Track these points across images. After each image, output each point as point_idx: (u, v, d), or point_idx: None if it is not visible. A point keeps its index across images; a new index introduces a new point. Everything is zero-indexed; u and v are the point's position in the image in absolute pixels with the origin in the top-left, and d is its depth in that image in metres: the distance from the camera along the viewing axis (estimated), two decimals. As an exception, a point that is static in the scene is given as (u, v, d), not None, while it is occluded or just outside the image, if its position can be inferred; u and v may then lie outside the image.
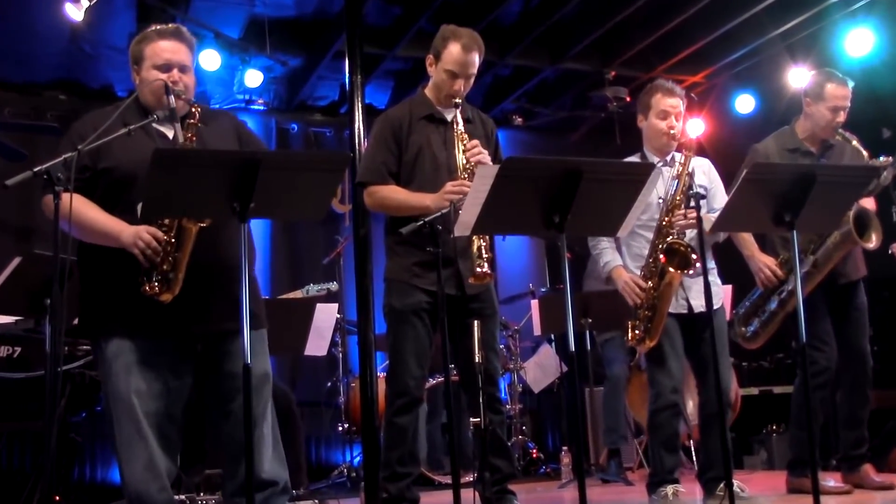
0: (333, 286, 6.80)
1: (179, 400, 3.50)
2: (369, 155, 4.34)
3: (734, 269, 5.13)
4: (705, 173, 4.81)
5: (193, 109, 3.47)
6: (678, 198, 4.45)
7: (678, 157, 4.63)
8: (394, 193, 4.22)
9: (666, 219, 4.51)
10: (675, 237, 4.48)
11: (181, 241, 3.31)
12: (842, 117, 4.96)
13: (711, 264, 4.73)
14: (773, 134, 5.15)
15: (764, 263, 4.88)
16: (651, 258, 4.58)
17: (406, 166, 4.25)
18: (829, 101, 4.95)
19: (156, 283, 3.31)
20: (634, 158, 4.77)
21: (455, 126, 4.20)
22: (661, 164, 4.64)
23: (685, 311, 4.62)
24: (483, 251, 3.99)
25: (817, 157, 4.98)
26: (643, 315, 4.56)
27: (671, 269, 4.45)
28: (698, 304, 4.58)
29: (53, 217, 3.10)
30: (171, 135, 3.53)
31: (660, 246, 4.51)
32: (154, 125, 3.49)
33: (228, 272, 3.46)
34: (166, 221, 3.32)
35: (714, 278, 4.71)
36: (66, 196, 3.12)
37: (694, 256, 4.39)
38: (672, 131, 4.66)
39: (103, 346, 3.43)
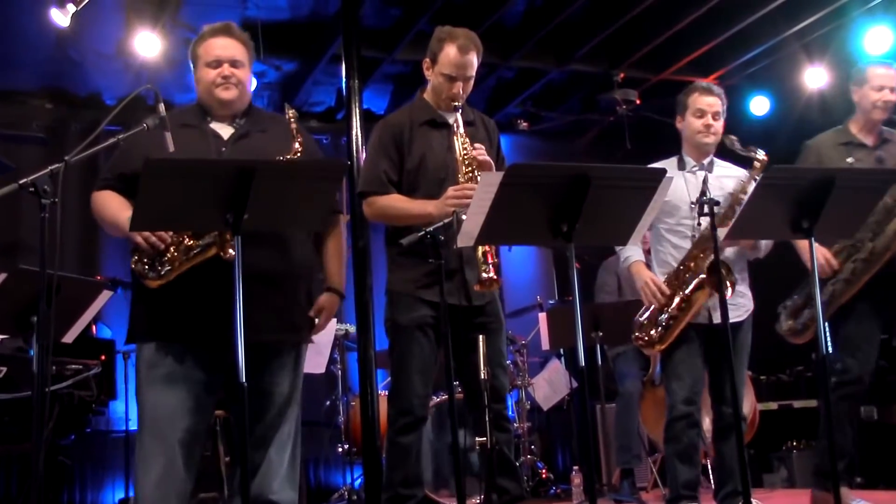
0: (353, 328, 6.75)
1: (208, 417, 3.54)
2: (369, 163, 4.34)
3: (752, 277, 5.12)
4: (740, 180, 4.78)
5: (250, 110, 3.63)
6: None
7: (720, 163, 4.75)
8: (394, 202, 4.22)
9: (684, 263, 4.58)
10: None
11: (190, 253, 3.36)
12: (889, 96, 4.98)
13: (744, 275, 4.76)
14: (828, 130, 5.16)
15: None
16: (683, 266, 4.60)
17: (409, 174, 4.24)
18: (873, 81, 5.02)
19: (145, 265, 3.38)
20: (671, 162, 4.78)
21: (456, 128, 4.21)
22: (695, 168, 4.71)
23: (706, 322, 4.62)
24: (489, 256, 3.98)
25: (872, 150, 4.99)
26: (665, 319, 4.59)
27: (708, 288, 4.48)
28: (719, 316, 4.58)
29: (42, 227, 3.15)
30: (227, 134, 3.63)
31: (700, 255, 4.53)
32: (211, 125, 3.61)
33: (282, 281, 3.50)
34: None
35: (744, 289, 4.74)
36: (96, 193, 3.45)
37: (730, 281, 4.42)
38: (709, 129, 4.72)
39: (142, 351, 3.51)
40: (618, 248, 4.91)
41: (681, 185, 4.62)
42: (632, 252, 4.75)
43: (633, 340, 4.73)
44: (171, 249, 3.39)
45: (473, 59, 4.26)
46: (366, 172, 4.35)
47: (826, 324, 4.82)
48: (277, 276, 3.53)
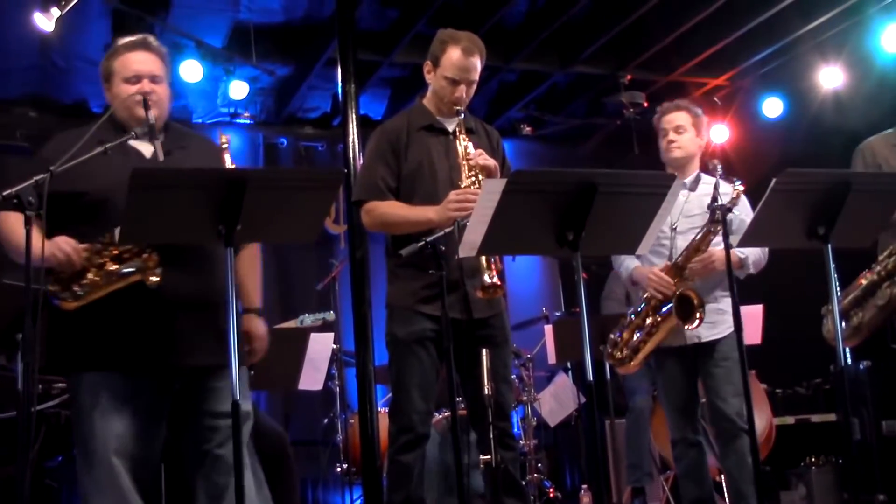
0: (330, 316, 6.79)
1: (157, 443, 3.52)
2: (366, 170, 4.34)
3: (766, 286, 5.12)
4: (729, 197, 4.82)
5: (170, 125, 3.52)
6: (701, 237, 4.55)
7: (707, 178, 4.81)
8: (393, 209, 4.22)
9: (684, 255, 4.66)
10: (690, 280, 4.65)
11: (111, 278, 3.34)
12: None
13: (727, 292, 4.78)
14: (879, 133, 5.17)
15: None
16: (682, 261, 4.70)
17: (406, 181, 4.25)
18: None
19: (59, 285, 3.35)
20: None
21: (458, 136, 4.21)
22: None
23: (682, 343, 4.75)
24: (492, 262, 3.98)
25: None
26: (635, 339, 4.77)
27: (675, 318, 4.64)
28: (693, 336, 4.73)
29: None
30: (149, 153, 3.55)
31: (697, 253, 4.64)
32: (131, 143, 3.52)
33: (219, 302, 3.49)
34: (112, 250, 3.34)
35: (725, 307, 4.76)
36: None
37: (699, 314, 4.58)
38: (672, 145, 4.86)
39: (77, 381, 3.45)
40: (616, 265, 5.00)
41: None
42: (628, 262, 4.88)
43: (605, 357, 4.90)
44: (93, 272, 3.34)
45: (477, 63, 4.28)
46: (362, 179, 4.36)
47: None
48: (211, 299, 3.49)
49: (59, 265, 3.31)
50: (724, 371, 4.69)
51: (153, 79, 3.62)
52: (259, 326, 3.75)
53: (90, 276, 3.35)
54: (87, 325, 3.41)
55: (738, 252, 4.64)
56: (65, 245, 3.32)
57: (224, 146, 3.61)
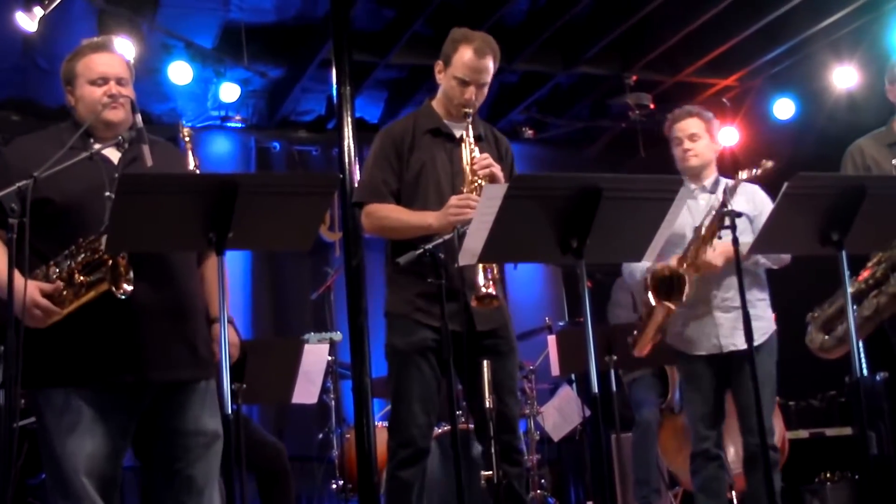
0: (337, 336, 6.78)
1: (122, 460, 3.51)
2: (368, 172, 4.35)
3: (778, 293, 5.12)
4: (749, 200, 4.85)
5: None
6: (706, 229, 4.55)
7: (725, 182, 4.82)
8: (393, 213, 4.23)
9: (693, 248, 4.66)
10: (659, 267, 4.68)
11: (80, 291, 3.31)
12: None
13: (763, 294, 4.89)
14: (868, 134, 5.19)
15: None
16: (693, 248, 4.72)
17: (408, 185, 4.25)
18: None
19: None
20: None
21: (465, 136, 4.22)
22: (695, 190, 4.88)
23: (716, 352, 4.77)
24: (489, 271, 3.97)
25: None
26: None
27: (657, 301, 4.66)
28: (729, 343, 4.74)
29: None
30: (115, 158, 3.55)
31: (701, 246, 4.64)
32: (95, 147, 3.50)
33: (187, 313, 3.49)
34: (79, 259, 3.32)
35: (762, 310, 4.84)
36: None
37: (686, 287, 4.59)
38: (688, 153, 4.91)
39: (44, 399, 3.42)
40: (625, 274, 5.06)
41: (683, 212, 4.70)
42: (637, 265, 4.89)
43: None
44: (63, 286, 3.32)
45: (489, 65, 4.29)
46: (364, 182, 4.37)
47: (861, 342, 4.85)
48: (181, 311, 3.50)
49: (45, 306, 3.30)
50: (760, 382, 4.65)
51: (119, 81, 3.61)
52: (231, 335, 3.72)
53: (62, 292, 3.32)
54: (54, 339, 3.39)
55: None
56: (41, 302, 3.27)
57: (186, 140, 3.56)
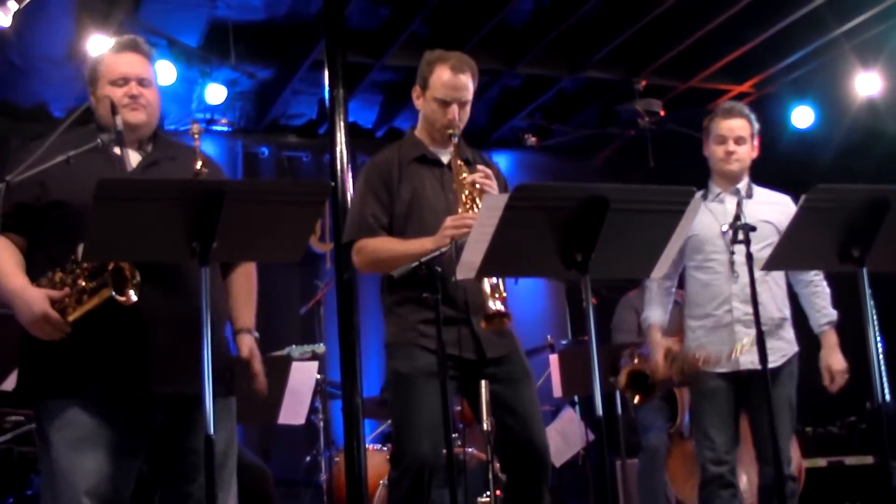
0: (320, 348, 6.77)
1: (130, 481, 3.50)
2: (356, 208, 4.37)
3: (794, 312, 5.12)
4: (781, 211, 4.85)
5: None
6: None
7: (760, 190, 4.94)
8: (386, 244, 4.24)
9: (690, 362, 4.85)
10: (639, 362, 5.00)
11: (83, 297, 3.33)
12: None
13: (786, 311, 4.91)
14: None
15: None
16: (683, 357, 4.89)
17: (399, 217, 4.27)
18: None
19: None
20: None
21: (453, 158, 4.24)
22: (721, 195, 4.93)
23: (733, 369, 4.76)
24: (497, 289, 3.98)
25: None
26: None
27: (630, 394, 4.97)
28: (748, 361, 4.72)
29: None
30: (136, 161, 3.60)
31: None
32: (115, 150, 3.55)
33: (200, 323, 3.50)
34: (85, 265, 3.34)
35: (784, 331, 4.87)
36: None
37: (656, 393, 5.05)
38: (731, 156, 4.90)
39: (47, 410, 3.43)
40: (645, 290, 5.10)
41: (706, 216, 4.78)
42: (651, 313, 4.99)
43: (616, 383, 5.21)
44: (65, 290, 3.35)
45: (468, 81, 4.32)
46: (352, 218, 4.38)
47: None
48: (196, 321, 3.48)
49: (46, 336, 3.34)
50: (778, 408, 4.66)
51: (141, 81, 3.65)
52: (254, 344, 3.75)
53: (65, 299, 3.34)
54: (57, 348, 3.39)
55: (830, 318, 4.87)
56: (52, 316, 3.31)
57: (195, 137, 3.58)
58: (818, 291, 4.92)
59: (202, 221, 3.09)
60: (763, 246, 4.38)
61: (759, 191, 4.97)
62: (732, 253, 4.57)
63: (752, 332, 4.64)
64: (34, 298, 3.30)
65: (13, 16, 6.65)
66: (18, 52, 7.80)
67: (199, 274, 3.33)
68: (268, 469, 6.06)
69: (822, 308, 4.89)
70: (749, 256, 4.07)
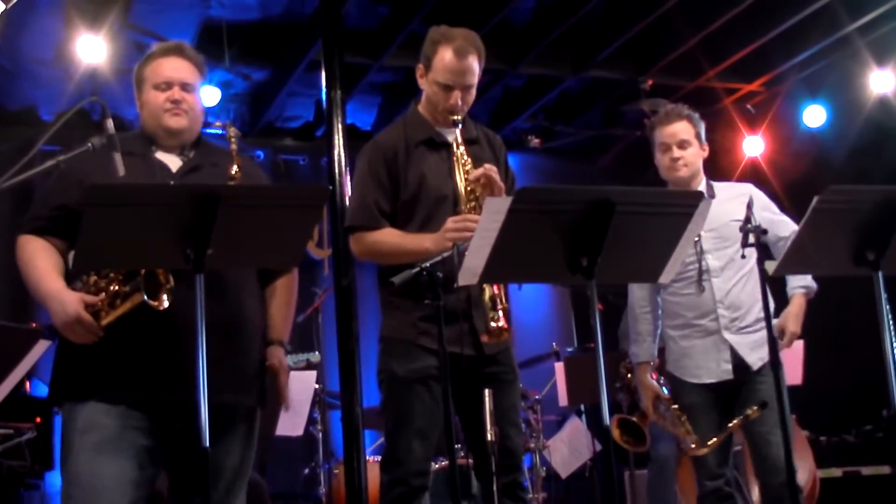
0: (315, 357, 6.78)
1: (150, 489, 3.53)
2: (357, 193, 4.34)
3: (808, 318, 5.12)
4: (745, 203, 4.86)
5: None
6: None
7: (720, 186, 4.90)
8: (386, 237, 4.22)
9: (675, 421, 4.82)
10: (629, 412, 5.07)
11: (115, 301, 3.37)
12: None
13: (770, 306, 4.83)
14: None
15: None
16: (672, 412, 4.86)
17: (405, 205, 4.24)
18: None
19: None
20: None
21: (455, 150, 4.22)
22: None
23: (727, 378, 4.73)
24: (498, 301, 3.98)
25: None
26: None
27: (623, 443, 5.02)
28: (751, 361, 4.72)
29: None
30: (176, 166, 3.68)
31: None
32: (157, 155, 3.66)
33: (238, 333, 3.54)
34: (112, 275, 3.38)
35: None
36: (23, 238, 3.51)
37: (647, 440, 5.10)
38: (677, 162, 4.86)
39: (72, 413, 3.48)
40: (631, 325, 5.05)
41: None
42: (639, 349, 4.94)
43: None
44: (101, 296, 3.40)
45: (474, 64, 4.26)
46: (353, 203, 4.35)
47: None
48: (231, 329, 3.54)
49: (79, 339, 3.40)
50: (775, 413, 4.66)
51: (185, 87, 3.73)
52: (282, 357, 3.80)
53: (98, 302, 3.41)
54: (85, 350, 3.44)
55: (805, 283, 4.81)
56: (85, 319, 3.37)
57: (232, 141, 3.68)
58: None
59: (196, 227, 3.09)
60: (739, 248, 4.33)
61: (719, 188, 4.92)
62: (744, 256, 4.55)
63: (740, 337, 4.69)
64: (69, 301, 3.37)
65: (0, 16, 6.66)
66: (6, 54, 7.81)
67: (242, 275, 3.46)
68: (263, 482, 6.07)
69: (801, 278, 4.84)
70: (760, 260, 4.06)
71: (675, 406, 4.76)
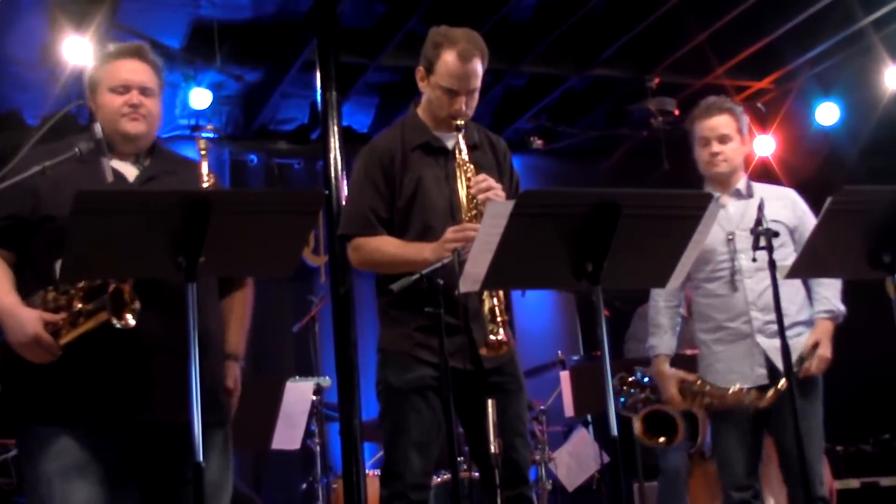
0: (325, 381, 6.78)
1: None
2: (353, 199, 4.35)
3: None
4: (787, 206, 4.87)
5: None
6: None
7: (760, 187, 4.88)
8: (384, 246, 4.22)
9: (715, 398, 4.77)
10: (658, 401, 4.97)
11: (78, 320, 3.35)
12: None
13: (805, 314, 4.87)
14: None
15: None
16: (702, 389, 4.83)
17: (400, 212, 4.25)
18: None
19: None
20: None
21: (458, 155, 4.22)
22: (721, 198, 4.84)
23: (762, 383, 4.69)
24: (497, 312, 3.98)
25: None
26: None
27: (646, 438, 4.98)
28: (762, 376, 4.71)
29: None
30: (132, 175, 3.63)
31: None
32: (113, 163, 3.55)
33: (204, 351, 3.51)
34: (81, 285, 3.36)
35: (804, 329, 4.82)
36: None
37: (679, 430, 4.98)
38: (716, 157, 4.86)
39: (31, 438, 3.45)
40: (650, 319, 5.06)
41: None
42: (658, 341, 4.96)
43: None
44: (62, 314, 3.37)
45: (478, 68, 4.26)
46: (349, 210, 4.36)
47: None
48: (198, 344, 3.53)
49: (46, 343, 3.35)
50: (805, 422, 4.65)
51: (143, 91, 3.68)
52: (237, 372, 3.80)
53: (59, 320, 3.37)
54: (46, 371, 3.41)
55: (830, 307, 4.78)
56: (44, 338, 3.33)
57: (202, 152, 3.61)
58: (821, 281, 4.84)
59: (188, 234, 3.09)
60: (777, 247, 4.34)
61: (759, 188, 4.92)
62: (755, 259, 4.55)
63: (771, 342, 4.65)
64: (27, 319, 3.33)
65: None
66: (-13, 56, 7.83)
67: (205, 290, 3.41)
68: (258, 499, 6.06)
69: (825, 298, 4.81)
70: (772, 263, 4.07)
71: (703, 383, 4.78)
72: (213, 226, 3.08)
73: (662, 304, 4.96)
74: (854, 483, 7.93)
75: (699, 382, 4.78)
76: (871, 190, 3.70)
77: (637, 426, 4.93)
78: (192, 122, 8.92)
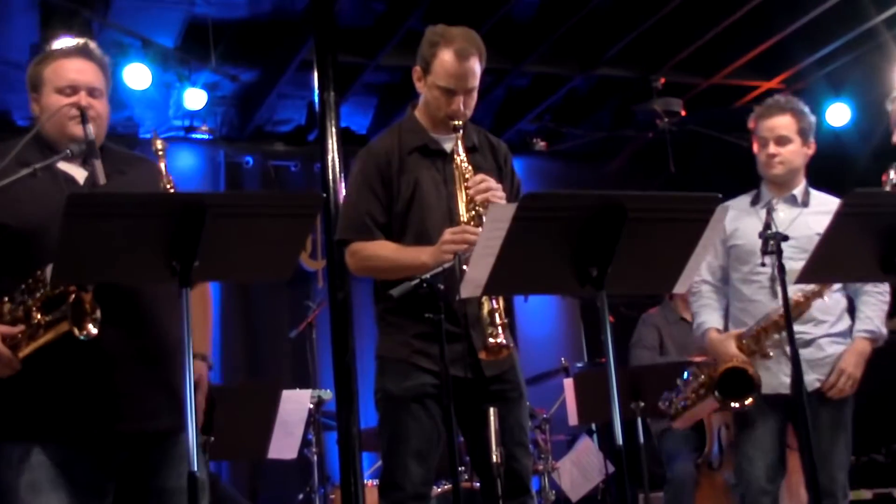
0: (326, 394, 6.77)
1: None
2: (350, 203, 4.35)
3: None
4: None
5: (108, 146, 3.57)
6: None
7: (819, 196, 4.88)
8: (382, 251, 4.23)
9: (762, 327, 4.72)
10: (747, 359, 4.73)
11: (38, 332, 3.31)
12: None
13: (842, 326, 4.86)
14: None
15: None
16: (758, 330, 4.74)
17: (398, 216, 4.25)
18: None
19: None
20: (745, 198, 4.97)
21: (456, 158, 4.22)
22: (774, 201, 4.82)
23: (785, 392, 4.67)
24: (497, 316, 3.98)
25: None
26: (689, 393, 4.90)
27: (718, 397, 4.76)
28: (814, 381, 4.69)
29: None
30: (82, 178, 3.58)
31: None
32: (60, 166, 3.53)
33: (167, 357, 3.50)
34: (38, 295, 3.33)
35: (841, 339, 4.82)
36: None
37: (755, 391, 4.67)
38: (773, 159, 4.84)
39: (6, 454, 3.42)
40: (693, 308, 5.06)
41: (753, 224, 4.68)
42: (707, 317, 4.92)
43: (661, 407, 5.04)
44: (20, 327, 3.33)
45: (475, 67, 4.26)
46: (346, 215, 4.36)
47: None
48: (160, 353, 3.52)
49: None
50: (831, 432, 4.65)
51: (91, 91, 3.63)
52: (204, 371, 3.74)
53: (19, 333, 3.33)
54: (10, 386, 3.38)
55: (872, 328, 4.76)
56: (4, 353, 3.28)
57: (159, 153, 3.54)
58: (867, 300, 4.82)
59: (182, 238, 3.09)
60: None
61: (817, 197, 4.89)
62: (764, 264, 4.54)
63: (807, 350, 4.63)
64: None
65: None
66: (-23, 56, 7.84)
67: (164, 296, 3.38)
68: (250, 507, 6.05)
69: (868, 318, 4.79)
70: (781, 269, 4.06)
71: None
72: (209, 229, 3.07)
73: (709, 285, 4.96)
74: (867, 494, 7.92)
75: (756, 329, 4.74)
76: (884, 193, 3.72)
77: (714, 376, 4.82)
78: (187, 122, 8.93)
